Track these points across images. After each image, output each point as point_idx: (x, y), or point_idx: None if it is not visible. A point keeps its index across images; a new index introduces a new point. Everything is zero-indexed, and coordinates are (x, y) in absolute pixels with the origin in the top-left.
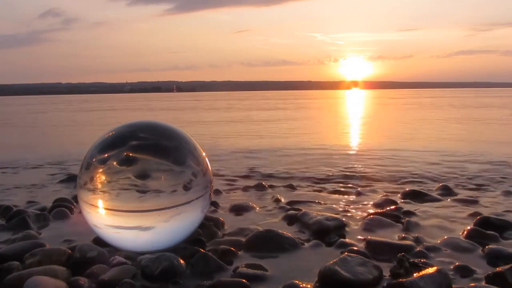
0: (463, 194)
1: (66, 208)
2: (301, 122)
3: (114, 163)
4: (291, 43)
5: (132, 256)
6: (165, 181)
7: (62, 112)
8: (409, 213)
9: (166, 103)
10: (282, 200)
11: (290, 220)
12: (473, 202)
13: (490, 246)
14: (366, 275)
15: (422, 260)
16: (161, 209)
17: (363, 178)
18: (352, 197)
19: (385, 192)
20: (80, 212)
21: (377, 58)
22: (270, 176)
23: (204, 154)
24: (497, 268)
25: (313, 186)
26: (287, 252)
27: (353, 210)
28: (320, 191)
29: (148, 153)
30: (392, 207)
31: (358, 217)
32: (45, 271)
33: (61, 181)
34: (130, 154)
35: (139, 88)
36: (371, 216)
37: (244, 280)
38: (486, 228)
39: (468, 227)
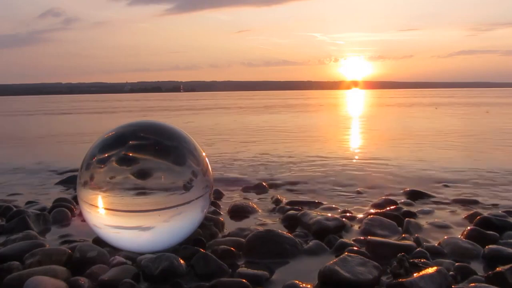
0: (463, 194)
1: (66, 208)
2: None
3: (114, 163)
4: (291, 43)
5: (132, 256)
6: (165, 181)
7: None
8: (409, 213)
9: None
10: (283, 200)
11: (290, 220)
12: (473, 202)
13: (490, 246)
14: (366, 275)
15: (422, 260)
16: (161, 209)
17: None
18: (352, 197)
19: (385, 192)
20: (80, 212)
21: (378, 58)
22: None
23: (204, 154)
24: (497, 268)
25: (313, 186)
26: (287, 252)
27: (353, 210)
28: (320, 191)
29: (148, 153)
30: (392, 207)
31: (358, 217)
32: (45, 271)
33: (62, 181)
34: (130, 154)
35: (139, 88)
36: (371, 216)
37: (244, 280)
38: (486, 228)
39: (468, 227)
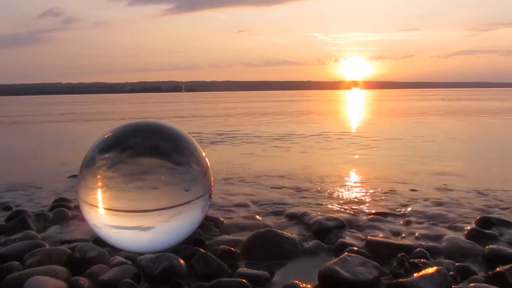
0: (463, 194)
1: (66, 208)
2: None
3: (114, 163)
4: (291, 43)
5: (132, 256)
6: (165, 181)
7: None
8: (409, 213)
9: None
10: (283, 200)
11: (290, 220)
12: (473, 202)
13: (490, 246)
14: (366, 275)
15: (422, 260)
16: (161, 209)
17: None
18: (353, 197)
19: (385, 192)
20: (80, 212)
21: (378, 58)
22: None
23: (204, 154)
24: (497, 268)
25: (314, 186)
26: (287, 252)
27: (353, 210)
28: (320, 191)
29: (148, 153)
30: (393, 207)
31: (358, 217)
32: (45, 271)
33: (62, 181)
34: (130, 154)
35: (139, 88)
36: (371, 216)
37: (244, 280)
38: (486, 228)
39: (468, 227)
